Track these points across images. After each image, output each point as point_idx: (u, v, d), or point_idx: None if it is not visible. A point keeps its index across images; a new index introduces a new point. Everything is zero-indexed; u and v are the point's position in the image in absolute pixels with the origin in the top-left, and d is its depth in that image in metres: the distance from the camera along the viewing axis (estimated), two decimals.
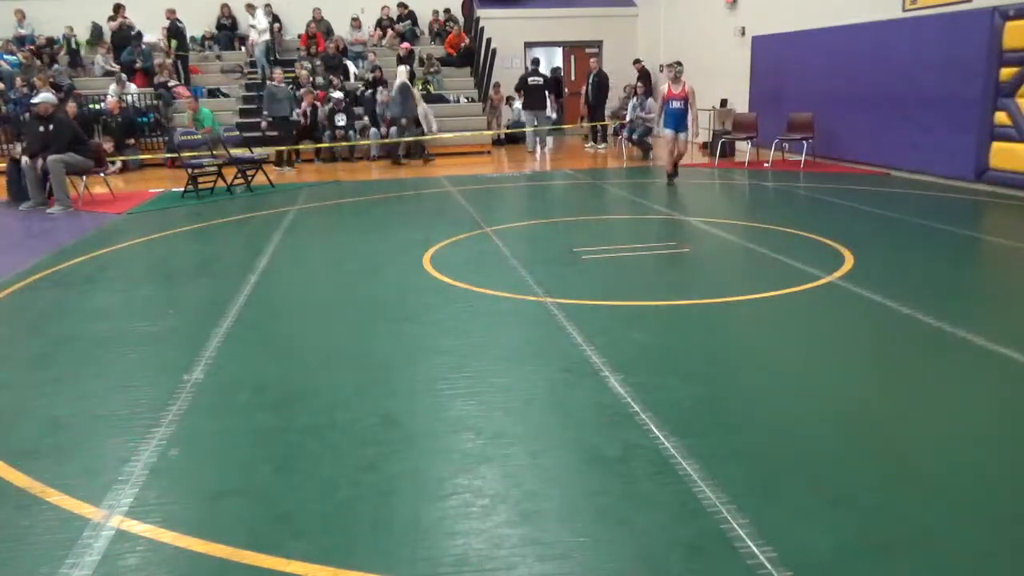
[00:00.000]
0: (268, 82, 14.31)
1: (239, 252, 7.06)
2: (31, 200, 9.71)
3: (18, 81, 14.53)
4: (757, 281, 5.59)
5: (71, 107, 12.71)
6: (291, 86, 15.19)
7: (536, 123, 15.09)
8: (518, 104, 17.08)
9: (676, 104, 10.31)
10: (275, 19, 17.55)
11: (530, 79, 15.12)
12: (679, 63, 10.62)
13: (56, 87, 14.66)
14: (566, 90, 18.68)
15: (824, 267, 5.74)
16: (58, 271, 6.38)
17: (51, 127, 9.56)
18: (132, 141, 13.98)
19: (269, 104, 13.66)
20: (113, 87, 14.69)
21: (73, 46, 16.48)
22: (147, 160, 14.09)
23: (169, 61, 15.77)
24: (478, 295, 5.34)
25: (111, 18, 16.41)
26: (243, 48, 17.44)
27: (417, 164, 13.77)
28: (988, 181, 9.18)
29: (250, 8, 17.13)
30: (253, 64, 16.79)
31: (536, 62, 15.88)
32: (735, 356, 4.20)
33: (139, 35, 16.31)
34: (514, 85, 15.99)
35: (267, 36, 16.75)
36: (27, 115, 9.86)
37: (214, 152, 11.26)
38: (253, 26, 16.88)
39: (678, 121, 10.35)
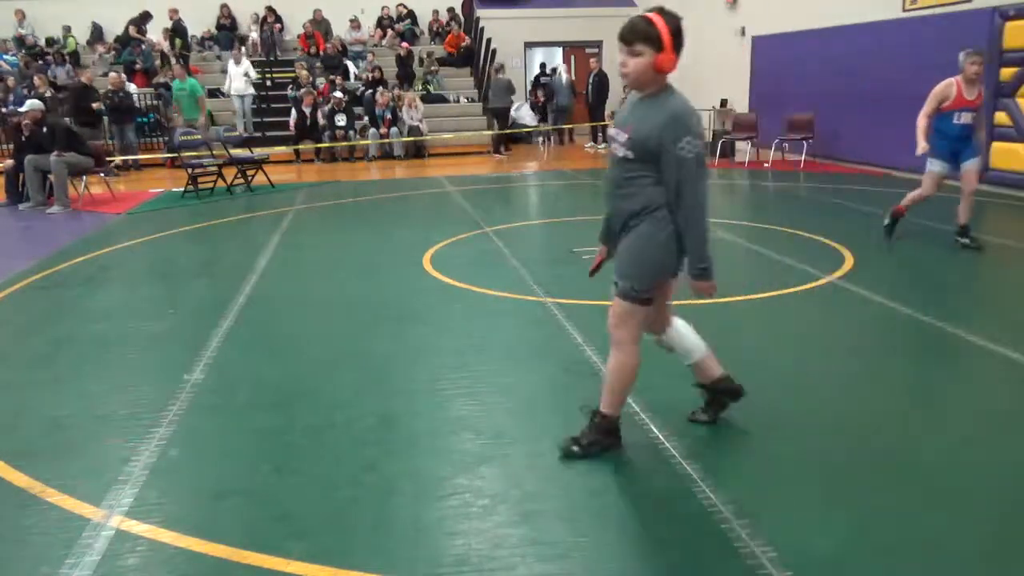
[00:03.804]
0: (497, 75, 15.58)
1: (239, 252, 7.06)
2: (31, 200, 9.72)
3: (11, 81, 14.52)
4: (757, 281, 5.58)
5: (88, 75, 13.15)
6: (291, 86, 15.23)
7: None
8: (523, 107, 17.15)
9: (966, 118, 6.12)
10: (277, 19, 17.54)
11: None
12: (978, 53, 6.14)
13: (56, 87, 14.68)
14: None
15: (824, 267, 5.74)
16: (58, 271, 6.38)
17: (45, 130, 9.58)
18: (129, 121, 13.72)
19: (498, 96, 15.08)
20: (113, 74, 14.60)
21: (67, 48, 16.50)
22: (147, 160, 14.08)
23: (175, 63, 15.78)
24: (478, 295, 5.34)
25: (134, 20, 16.31)
26: (243, 48, 17.42)
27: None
28: (988, 181, 9.17)
29: (237, 55, 15.10)
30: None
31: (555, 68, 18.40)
32: (735, 356, 4.17)
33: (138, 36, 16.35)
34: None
35: (251, 90, 15.02)
36: (24, 122, 9.83)
37: (214, 152, 11.26)
38: (246, 74, 14.90)
39: (965, 143, 6.21)
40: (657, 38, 2.64)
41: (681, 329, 3.15)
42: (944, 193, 9.06)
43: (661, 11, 2.70)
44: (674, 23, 2.69)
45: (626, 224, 2.82)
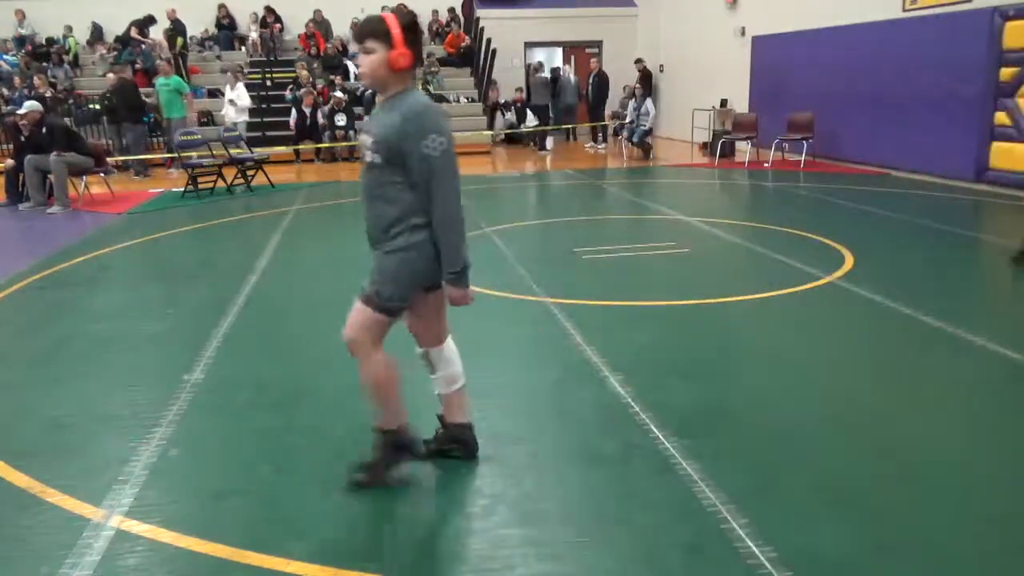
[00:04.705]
0: (536, 73, 17.41)
1: (239, 252, 7.05)
2: (31, 200, 9.72)
3: (16, 81, 14.51)
4: (757, 281, 5.59)
5: (127, 73, 13.20)
6: (291, 86, 15.21)
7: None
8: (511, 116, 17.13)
9: None
10: (277, 19, 17.53)
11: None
12: None
13: (54, 88, 14.67)
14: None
15: (824, 267, 5.74)
16: (58, 271, 6.38)
17: (44, 130, 9.58)
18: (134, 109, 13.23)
19: (538, 94, 16.60)
20: (111, 75, 14.53)
21: (72, 49, 16.51)
22: (146, 160, 14.04)
23: (163, 60, 15.77)
24: (478, 295, 5.31)
25: (137, 22, 16.28)
26: (243, 48, 17.41)
27: None
28: (988, 181, 9.18)
29: (232, 80, 14.01)
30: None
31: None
32: (735, 356, 4.20)
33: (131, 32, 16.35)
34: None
35: (245, 116, 13.95)
36: (22, 122, 9.82)
37: (214, 152, 11.25)
38: (232, 101, 13.83)
39: None
40: (387, 34, 2.54)
41: (451, 355, 2.95)
42: (941, 193, 9.08)
43: (396, 9, 2.66)
44: (406, 19, 2.59)
45: (387, 231, 2.64)
